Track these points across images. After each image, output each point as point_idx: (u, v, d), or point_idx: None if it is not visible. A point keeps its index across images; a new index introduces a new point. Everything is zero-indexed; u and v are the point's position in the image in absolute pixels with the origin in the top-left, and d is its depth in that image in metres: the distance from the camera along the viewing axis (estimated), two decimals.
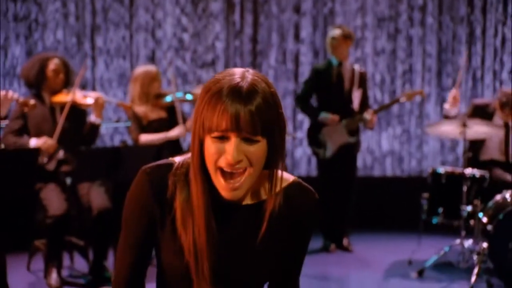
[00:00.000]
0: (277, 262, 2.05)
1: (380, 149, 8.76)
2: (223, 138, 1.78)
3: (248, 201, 1.96)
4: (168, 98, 6.60)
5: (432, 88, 8.75)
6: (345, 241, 7.10)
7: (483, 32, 8.76)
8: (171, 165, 1.93)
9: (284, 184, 1.99)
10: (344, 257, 6.95)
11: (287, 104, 8.48)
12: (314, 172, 8.15)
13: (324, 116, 6.87)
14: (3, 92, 5.57)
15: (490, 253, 5.67)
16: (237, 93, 1.81)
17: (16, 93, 5.63)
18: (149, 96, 6.42)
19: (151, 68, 6.92)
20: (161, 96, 6.50)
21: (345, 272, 6.46)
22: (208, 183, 1.87)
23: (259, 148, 1.82)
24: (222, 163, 1.79)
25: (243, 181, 1.82)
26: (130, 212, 1.98)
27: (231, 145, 1.78)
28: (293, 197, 2.02)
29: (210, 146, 1.80)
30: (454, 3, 8.84)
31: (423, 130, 8.32)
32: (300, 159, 8.47)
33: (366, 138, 8.77)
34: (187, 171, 1.90)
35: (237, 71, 1.92)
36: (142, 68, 6.86)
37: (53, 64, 6.10)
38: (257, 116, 1.80)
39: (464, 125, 6.00)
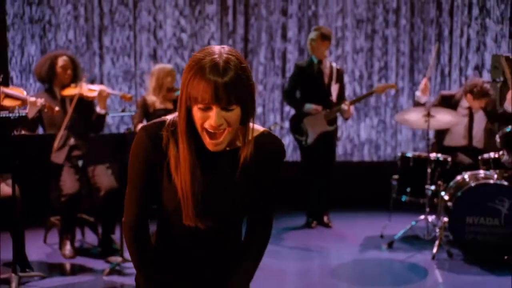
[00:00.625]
0: (251, 196, 2.30)
1: (359, 138, 8.82)
2: (206, 108, 2.06)
3: (226, 148, 2.21)
4: (178, 93, 6.80)
5: (405, 83, 8.81)
6: (325, 218, 7.23)
7: (450, 32, 8.80)
8: (164, 122, 2.18)
9: (255, 134, 2.25)
10: (324, 232, 7.09)
11: (276, 97, 8.56)
12: (299, 158, 8.18)
13: (309, 107, 7.00)
14: (32, 99, 5.77)
15: (450, 226, 5.88)
16: (216, 71, 2.06)
17: (43, 99, 5.85)
18: (162, 88, 6.52)
19: (167, 65, 7.07)
20: (172, 90, 6.62)
21: (325, 245, 6.61)
22: (194, 137, 2.15)
23: (235, 113, 2.09)
24: (207, 125, 2.06)
25: (223, 138, 2.10)
26: (134, 161, 2.23)
27: (213, 114, 2.05)
28: (263, 144, 2.28)
29: (197, 113, 2.07)
30: (425, 7, 8.87)
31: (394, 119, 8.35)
32: (288, 146, 8.50)
33: (347, 128, 8.86)
34: (176, 128, 2.17)
35: (215, 50, 2.13)
36: (160, 65, 7.03)
37: (61, 61, 6.22)
38: (232, 89, 2.06)
39: (429, 114, 6.16)
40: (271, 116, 8.44)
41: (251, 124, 2.22)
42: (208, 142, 2.11)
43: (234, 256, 2.44)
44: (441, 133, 6.92)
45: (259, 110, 8.85)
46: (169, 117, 2.25)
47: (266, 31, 8.87)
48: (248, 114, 2.17)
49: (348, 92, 8.66)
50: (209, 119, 2.09)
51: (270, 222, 2.50)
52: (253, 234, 2.41)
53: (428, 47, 8.94)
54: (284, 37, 8.80)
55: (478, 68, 8.36)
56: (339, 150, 8.90)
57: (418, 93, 6.73)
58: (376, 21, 8.90)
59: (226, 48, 2.21)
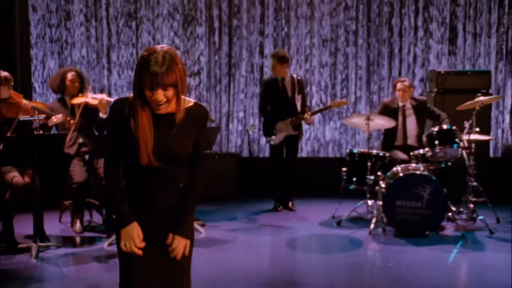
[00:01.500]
0: (187, 142, 2.85)
1: (324, 138, 9.00)
2: (151, 90, 2.63)
3: (168, 111, 2.77)
4: None
5: (363, 92, 8.98)
6: (290, 203, 7.56)
7: (400, 51, 8.95)
8: (127, 98, 2.77)
9: (188, 104, 2.84)
10: (288, 214, 7.41)
11: (254, 103, 8.70)
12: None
13: (278, 125, 7.30)
14: (55, 120, 6.27)
15: (383, 208, 6.30)
16: (156, 65, 2.62)
17: (61, 115, 6.28)
18: None
19: None
20: None
21: (288, 224, 6.95)
22: (146, 105, 2.72)
23: (171, 92, 2.67)
24: (153, 100, 2.66)
25: (163, 106, 2.68)
26: (111, 123, 2.84)
27: (156, 94, 2.64)
28: (193, 110, 2.86)
29: (147, 92, 2.66)
30: (379, 29, 9.01)
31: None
32: (265, 146, 8.70)
33: (315, 129, 9.02)
34: (135, 101, 2.74)
35: (157, 49, 2.70)
36: None
37: (70, 76, 6.55)
38: (167, 77, 2.64)
39: (368, 118, 6.58)
40: (250, 119, 8.68)
41: (182, 97, 2.80)
42: (155, 108, 2.71)
43: (178, 187, 2.94)
44: (389, 134, 7.20)
45: (241, 114, 9.03)
46: (130, 95, 2.84)
47: (246, 48, 9.00)
48: (180, 91, 2.77)
49: (316, 99, 8.91)
50: (154, 96, 2.67)
51: (202, 163, 3.03)
52: (191, 170, 2.93)
53: (382, 62, 9.04)
54: (261, 53, 8.93)
55: (423, 80, 8.59)
56: (308, 148, 9.06)
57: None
58: (338, 41, 8.99)
59: (165, 47, 2.75)
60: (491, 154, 8.46)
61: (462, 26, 8.87)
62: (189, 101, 2.95)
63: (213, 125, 8.31)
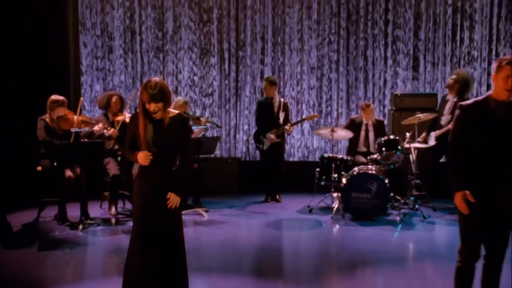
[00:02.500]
0: (172, 137, 3.74)
1: (312, 146, 9.60)
2: (148, 103, 3.63)
3: (160, 117, 3.70)
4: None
5: (343, 110, 9.49)
6: (277, 196, 8.27)
7: (373, 76, 9.48)
8: (137, 112, 3.73)
9: (173, 114, 3.77)
10: (275, 205, 8.16)
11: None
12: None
13: (267, 135, 8.01)
14: (107, 133, 6.96)
15: (342, 199, 7.10)
16: (150, 88, 3.61)
17: (110, 129, 6.96)
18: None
19: (181, 98, 7.89)
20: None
21: (273, 211, 7.69)
22: (147, 115, 3.67)
23: (160, 105, 3.64)
24: (151, 110, 3.61)
25: (156, 114, 3.65)
26: (129, 124, 3.83)
27: (151, 106, 3.63)
28: (176, 117, 3.79)
29: (146, 105, 3.64)
30: (356, 59, 9.51)
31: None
32: (256, 151, 8.99)
33: (304, 139, 9.62)
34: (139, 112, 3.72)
35: (152, 79, 3.66)
36: (179, 98, 7.84)
37: (114, 99, 7.37)
38: (158, 96, 3.61)
39: (333, 130, 7.36)
40: (253, 131, 8.92)
41: (168, 109, 3.77)
42: (152, 115, 3.69)
43: (170, 171, 3.83)
44: (353, 143, 7.95)
45: (245, 126, 9.56)
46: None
47: (250, 74, 9.60)
48: (166, 105, 3.72)
49: (305, 115, 9.25)
50: (150, 107, 3.68)
51: (189, 153, 3.90)
52: (181, 158, 3.85)
53: (359, 85, 9.51)
54: (262, 78, 9.28)
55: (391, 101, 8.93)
56: (300, 154, 9.62)
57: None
58: (323, 68, 9.54)
59: (157, 79, 3.70)
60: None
61: (423, 57, 9.40)
62: (174, 112, 3.86)
63: (216, 134, 9.01)
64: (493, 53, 9.30)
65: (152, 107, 3.68)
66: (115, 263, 5.33)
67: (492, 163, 3.59)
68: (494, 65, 3.69)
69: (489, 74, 9.22)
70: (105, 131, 6.96)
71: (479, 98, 3.75)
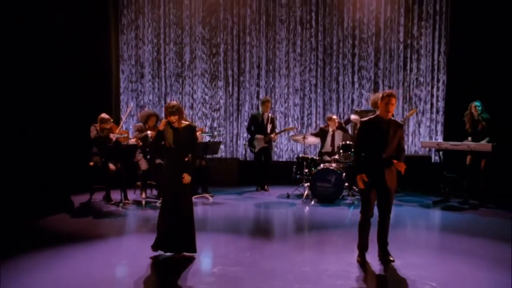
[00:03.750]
0: (184, 139, 5.02)
1: (297, 150, 10.69)
2: (169, 116, 5.05)
3: (177, 126, 5.10)
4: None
5: (320, 122, 10.46)
6: (265, 187, 9.42)
7: (343, 96, 10.51)
8: (162, 122, 5.18)
9: (185, 124, 5.17)
10: (264, 193, 9.27)
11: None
12: (253, 158, 9.56)
13: (256, 136, 9.08)
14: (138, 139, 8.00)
15: (310, 187, 8.26)
16: (170, 107, 5.10)
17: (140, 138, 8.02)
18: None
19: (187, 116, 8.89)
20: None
21: (261, 197, 8.82)
22: (169, 124, 5.09)
23: (177, 117, 5.09)
24: (170, 120, 5.06)
25: (174, 124, 5.08)
26: (157, 132, 5.19)
27: (171, 118, 5.07)
28: (186, 126, 5.09)
29: (168, 118, 5.05)
30: (330, 83, 10.57)
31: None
32: (250, 154, 9.53)
33: (290, 145, 10.70)
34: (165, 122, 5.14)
35: (171, 102, 5.10)
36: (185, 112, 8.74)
37: (152, 117, 8.31)
38: (175, 112, 5.10)
39: (304, 137, 8.61)
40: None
41: (182, 121, 5.12)
42: (172, 124, 5.05)
43: (184, 160, 5.13)
44: (322, 146, 9.10)
45: (244, 135, 10.40)
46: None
47: (248, 95, 10.77)
48: (180, 118, 5.10)
49: (291, 126, 10.30)
50: (170, 118, 5.07)
51: (195, 151, 5.16)
52: (191, 153, 5.12)
53: (332, 103, 10.53)
54: (257, 98, 10.60)
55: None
56: (286, 155, 10.72)
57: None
58: (305, 90, 10.68)
59: (174, 102, 5.10)
60: None
61: (382, 81, 10.53)
62: (185, 123, 5.23)
63: (217, 139, 10.11)
64: (435, 79, 10.47)
65: (171, 118, 5.22)
66: (143, 226, 6.83)
67: (378, 156, 5.20)
68: (379, 95, 5.28)
69: (432, 96, 10.47)
70: (133, 138, 8.15)
71: (372, 116, 5.36)
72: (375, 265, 5.27)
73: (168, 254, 5.41)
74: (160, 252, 5.39)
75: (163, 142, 5.35)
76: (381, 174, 5.19)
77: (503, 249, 5.85)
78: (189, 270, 5.09)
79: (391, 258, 5.30)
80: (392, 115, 5.33)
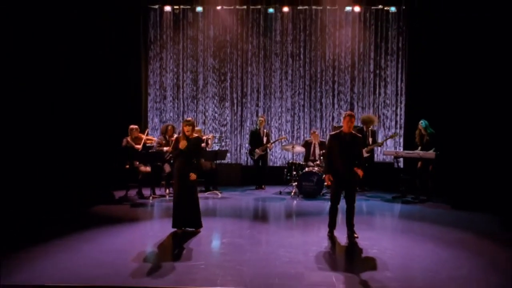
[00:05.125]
0: (192, 147, 6.10)
1: (288, 157, 11.32)
2: (185, 127, 6.15)
3: (190, 137, 6.17)
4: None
5: (307, 135, 11.13)
6: (262, 186, 10.31)
7: (325, 115, 11.35)
8: (180, 134, 6.31)
9: (195, 135, 6.26)
10: (261, 191, 10.15)
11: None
12: (253, 163, 10.43)
13: (256, 150, 10.02)
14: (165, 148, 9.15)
15: (297, 186, 9.20)
16: (187, 121, 6.22)
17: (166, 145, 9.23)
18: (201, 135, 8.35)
19: (198, 128, 9.23)
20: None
21: (260, 194, 9.69)
22: (184, 135, 6.19)
23: (191, 128, 6.17)
24: (184, 131, 6.15)
25: (188, 134, 6.16)
26: (174, 142, 6.27)
27: (186, 128, 6.17)
28: (195, 138, 6.10)
29: (184, 128, 6.14)
30: (315, 104, 11.37)
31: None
32: (250, 160, 10.42)
33: (283, 153, 11.51)
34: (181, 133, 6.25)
35: (188, 118, 6.21)
36: (198, 128, 9.54)
37: (170, 128, 9.24)
38: (190, 124, 6.22)
39: (293, 147, 9.65)
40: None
41: (194, 133, 6.23)
42: (186, 134, 6.13)
43: (190, 162, 6.18)
44: (307, 154, 10.08)
45: (246, 145, 11.22)
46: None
47: (250, 113, 11.59)
48: (192, 129, 6.20)
49: (284, 135, 10.82)
50: (185, 129, 6.19)
51: (199, 156, 6.22)
52: (195, 158, 6.19)
53: (317, 120, 11.32)
54: (257, 115, 11.37)
55: None
56: (280, 161, 11.51)
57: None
58: (295, 109, 11.49)
59: (190, 118, 6.37)
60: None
61: (356, 103, 11.43)
62: (196, 135, 6.26)
63: (224, 148, 11.02)
64: (398, 101, 11.46)
65: (186, 128, 6.31)
66: (166, 213, 7.91)
67: (342, 161, 6.40)
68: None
69: (396, 115, 11.52)
70: (165, 148, 9.08)
71: (338, 131, 6.62)
72: (341, 238, 6.48)
73: (188, 229, 6.56)
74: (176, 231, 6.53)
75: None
76: (345, 174, 6.36)
77: (440, 230, 7.05)
78: (206, 240, 6.32)
79: (355, 235, 6.41)
80: (353, 129, 6.52)
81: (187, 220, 6.32)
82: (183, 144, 6.12)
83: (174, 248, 5.89)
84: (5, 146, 7.85)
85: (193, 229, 6.52)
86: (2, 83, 8.23)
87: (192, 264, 5.22)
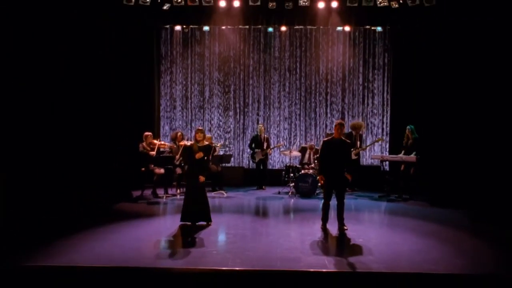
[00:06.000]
0: (203, 154, 6.68)
1: (286, 161, 11.88)
2: (197, 134, 6.73)
3: (201, 144, 6.74)
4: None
5: (303, 142, 11.57)
6: (263, 186, 10.66)
7: (320, 123, 11.74)
8: (192, 142, 6.85)
9: (206, 143, 6.90)
10: (262, 191, 10.53)
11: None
12: (254, 166, 10.88)
13: (256, 151, 10.54)
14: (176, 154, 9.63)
15: (294, 186, 9.75)
16: (199, 129, 6.82)
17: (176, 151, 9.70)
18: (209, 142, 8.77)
19: (209, 135, 9.72)
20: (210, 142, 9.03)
21: (261, 193, 10.09)
22: (196, 141, 6.74)
23: (202, 135, 6.78)
24: (197, 137, 6.72)
25: (200, 141, 6.73)
26: (187, 149, 6.91)
27: (198, 135, 6.75)
28: (206, 145, 6.75)
29: (196, 135, 6.72)
30: (310, 113, 11.75)
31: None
32: (252, 164, 10.89)
33: (281, 158, 11.96)
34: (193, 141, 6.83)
35: (199, 127, 6.83)
36: (208, 135, 9.94)
37: (179, 135, 9.78)
38: (201, 131, 6.81)
39: (290, 152, 10.25)
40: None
41: (204, 141, 6.86)
42: (197, 142, 6.70)
43: (202, 166, 6.79)
44: (302, 158, 10.66)
45: (248, 150, 11.59)
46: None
47: (251, 121, 12.03)
48: (203, 137, 6.81)
49: (281, 142, 11.36)
50: (197, 136, 6.77)
51: (208, 161, 6.76)
52: (205, 163, 6.83)
53: (312, 128, 11.77)
54: (257, 123, 11.67)
55: None
56: (278, 165, 11.97)
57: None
58: (292, 118, 11.87)
59: (200, 127, 7.11)
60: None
61: (347, 112, 11.87)
62: (206, 142, 6.84)
63: (229, 152, 11.55)
64: (385, 111, 12.00)
65: (198, 135, 6.88)
66: (177, 210, 8.54)
67: (333, 164, 7.05)
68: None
69: (383, 123, 12.10)
70: (168, 149, 9.68)
71: (330, 137, 7.27)
72: (333, 230, 7.13)
73: (197, 223, 7.13)
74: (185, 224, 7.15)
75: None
76: (336, 175, 6.96)
77: (418, 223, 7.70)
78: (215, 232, 6.97)
79: (345, 227, 7.02)
80: (343, 135, 7.16)
81: (198, 215, 6.89)
82: (199, 155, 6.71)
83: (189, 237, 6.51)
84: (47, 151, 8.34)
85: (205, 223, 7.11)
86: (40, 90, 8.70)
87: (205, 250, 5.85)
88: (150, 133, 9.72)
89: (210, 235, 6.62)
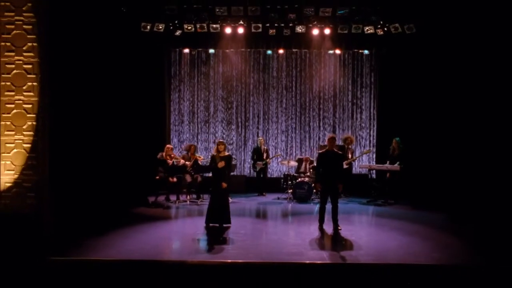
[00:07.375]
0: (226, 163, 7.17)
1: (283, 170, 12.20)
2: (218, 146, 7.29)
3: (222, 155, 7.24)
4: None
5: (298, 153, 12.01)
6: (263, 193, 11.07)
7: (313, 136, 12.30)
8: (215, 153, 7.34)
9: (227, 153, 7.35)
10: (262, 197, 10.95)
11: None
12: (255, 175, 11.29)
13: (258, 162, 11.05)
14: (187, 163, 9.79)
15: (292, 192, 10.26)
16: (220, 142, 7.31)
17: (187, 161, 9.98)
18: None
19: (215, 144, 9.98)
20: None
21: (261, 199, 10.54)
22: (218, 152, 7.26)
23: (224, 147, 7.31)
24: (219, 148, 7.25)
25: (221, 151, 7.23)
26: (212, 159, 7.41)
27: (220, 146, 7.28)
28: (227, 155, 7.17)
29: (218, 147, 7.26)
30: (305, 126, 12.22)
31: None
32: (253, 172, 11.30)
33: (279, 166, 12.35)
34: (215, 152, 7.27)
35: (221, 140, 7.32)
36: (215, 147, 9.59)
37: (192, 147, 10.23)
38: (223, 144, 7.33)
39: (288, 162, 10.88)
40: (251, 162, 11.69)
41: (225, 151, 7.35)
42: (220, 153, 7.21)
43: (223, 175, 7.32)
44: (299, 168, 11.16)
45: (249, 160, 12.09)
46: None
47: (252, 133, 12.41)
48: (224, 148, 7.30)
49: (279, 153, 11.99)
50: (219, 147, 7.28)
51: (229, 171, 7.29)
52: (227, 172, 7.34)
53: (306, 140, 12.24)
54: (257, 136, 12.08)
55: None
56: (277, 173, 12.40)
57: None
58: (288, 131, 12.27)
59: (221, 139, 7.55)
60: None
61: (338, 126, 12.37)
62: (227, 153, 7.33)
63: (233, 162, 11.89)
64: (372, 125, 12.56)
65: (220, 147, 7.33)
66: (188, 214, 9.19)
67: (327, 174, 7.72)
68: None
69: (370, 135, 12.67)
70: (181, 160, 10.18)
71: (324, 150, 7.96)
72: (328, 230, 7.79)
73: (217, 225, 7.72)
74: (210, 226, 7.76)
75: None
76: (330, 184, 7.62)
77: (402, 223, 8.33)
78: (228, 231, 7.56)
79: (339, 227, 7.64)
80: (336, 148, 7.86)
81: (221, 217, 7.41)
82: (221, 164, 7.22)
83: (209, 236, 7.15)
84: (76, 159, 8.56)
85: (226, 225, 7.64)
86: (91, 107, 8.93)
87: (223, 247, 6.49)
88: (171, 146, 10.29)
89: (224, 234, 7.22)
